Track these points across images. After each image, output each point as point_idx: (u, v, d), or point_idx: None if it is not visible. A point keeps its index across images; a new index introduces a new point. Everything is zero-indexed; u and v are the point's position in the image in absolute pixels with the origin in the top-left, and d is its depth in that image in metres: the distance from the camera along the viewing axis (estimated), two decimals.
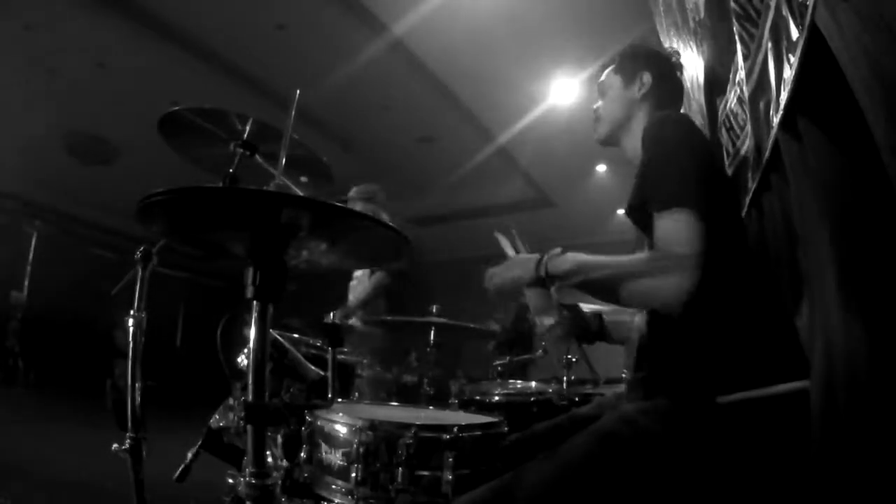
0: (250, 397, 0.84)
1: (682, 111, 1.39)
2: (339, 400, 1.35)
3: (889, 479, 0.74)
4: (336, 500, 1.05)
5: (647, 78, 1.27)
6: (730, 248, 1.00)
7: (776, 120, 0.99)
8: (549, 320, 1.22)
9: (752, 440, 0.93)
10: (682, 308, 0.90)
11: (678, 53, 1.37)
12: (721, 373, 0.97)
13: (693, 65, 1.84)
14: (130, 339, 1.33)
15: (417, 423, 1.04)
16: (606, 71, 1.34)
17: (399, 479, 1.00)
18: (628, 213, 1.11)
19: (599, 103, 1.33)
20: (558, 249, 1.06)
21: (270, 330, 0.89)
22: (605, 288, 1.02)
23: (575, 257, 1.04)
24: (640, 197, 1.07)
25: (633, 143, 1.25)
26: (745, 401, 0.92)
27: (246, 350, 1.31)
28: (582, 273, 1.02)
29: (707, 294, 0.90)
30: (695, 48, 1.80)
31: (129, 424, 1.29)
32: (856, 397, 0.79)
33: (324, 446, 1.10)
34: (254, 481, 0.83)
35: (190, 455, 1.29)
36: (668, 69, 1.31)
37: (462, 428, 1.06)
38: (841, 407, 0.81)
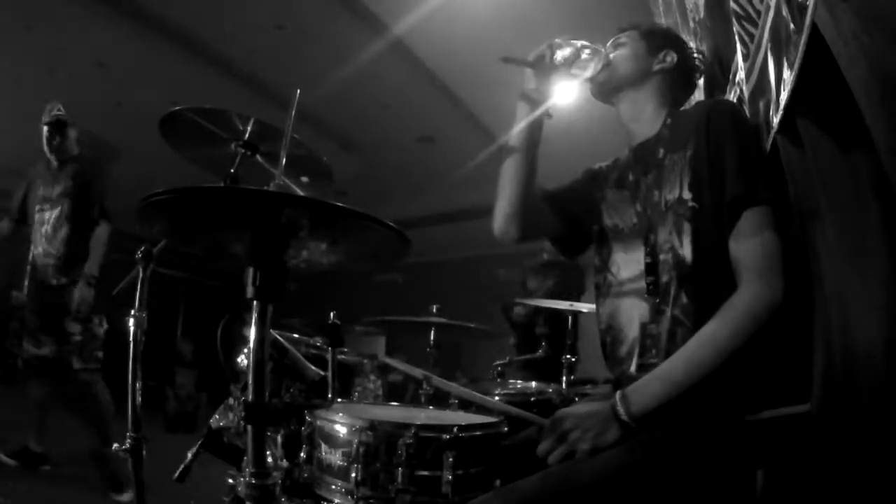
0: (250, 397, 0.85)
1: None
2: (339, 400, 1.35)
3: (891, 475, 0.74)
4: (336, 501, 1.05)
5: (671, 58, 1.19)
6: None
7: (776, 120, 0.99)
8: None
9: (784, 457, 0.92)
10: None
11: (704, 57, 1.30)
12: (751, 390, 0.94)
13: None
14: (130, 338, 1.34)
15: (417, 423, 1.04)
16: (629, 31, 1.25)
17: (399, 479, 1.00)
18: (705, 201, 1.00)
19: (613, 52, 1.22)
20: (620, 395, 0.93)
21: (270, 330, 0.89)
22: (713, 369, 0.90)
23: (656, 386, 0.92)
24: (733, 188, 0.96)
25: (633, 111, 1.20)
26: (774, 419, 0.91)
27: (246, 350, 1.31)
28: (675, 391, 0.91)
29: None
30: (695, 48, 1.80)
31: (130, 424, 1.29)
32: (858, 396, 0.79)
33: (324, 446, 1.10)
34: (254, 481, 0.83)
35: (190, 455, 1.29)
36: (690, 65, 1.25)
37: (462, 428, 1.06)
38: (840, 405, 0.81)
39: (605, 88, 1.22)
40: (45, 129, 2.81)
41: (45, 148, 2.81)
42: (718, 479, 0.92)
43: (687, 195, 1.03)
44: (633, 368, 1.07)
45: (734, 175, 0.97)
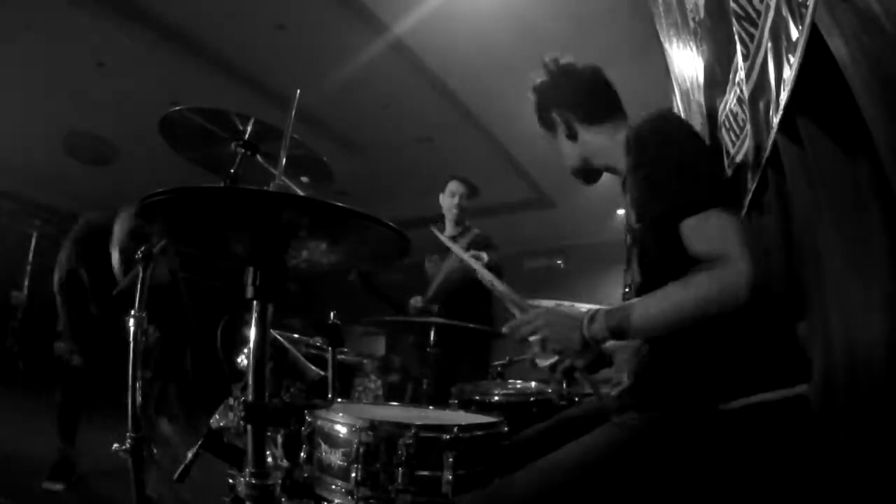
0: (250, 397, 0.85)
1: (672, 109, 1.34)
2: (339, 400, 1.35)
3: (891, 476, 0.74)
4: (336, 501, 1.05)
5: (557, 117, 1.23)
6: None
7: (776, 120, 0.99)
8: (548, 360, 1.20)
9: (757, 446, 0.92)
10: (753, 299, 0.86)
11: (555, 62, 1.28)
12: (722, 380, 0.96)
13: (693, 65, 1.84)
14: (131, 339, 1.34)
15: (417, 423, 1.04)
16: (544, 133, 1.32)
17: (399, 479, 1.00)
18: (644, 220, 1.02)
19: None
20: (587, 311, 0.99)
21: (270, 330, 0.89)
22: (667, 326, 0.93)
23: (612, 317, 0.96)
24: (657, 205, 0.97)
25: (605, 161, 1.23)
26: (748, 407, 0.91)
27: (246, 350, 1.31)
28: (633, 329, 0.95)
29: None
30: (695, 48, 1.80)
31: (130, 424, 1.29)
32: (859, 396, 0.79)
33: (324, 446, 1.10)
34: (254, 481, 0.83)
35: (190, 455, 1.29)
36: (569, 89, 1.24)
37: (462, 428, 1.06)
38: (842, 405, 0.81)
39: (580, 173, 1.28)
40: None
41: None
42: (697, 469, 0.94)
43: (632, 217, 1.04)
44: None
45: (665, 188, 0.96)
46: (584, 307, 1.05)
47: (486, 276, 1.28)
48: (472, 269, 1.34)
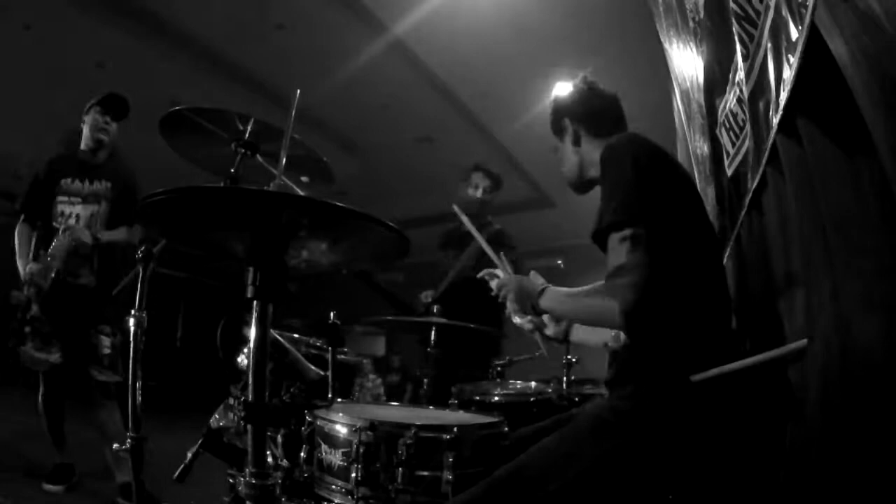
0: (250, 397, 0.85)
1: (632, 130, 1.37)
2: (339, 400, 1.35)
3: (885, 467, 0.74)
4: (336, 500, 1.05)
5: (567, 124, 1.32)
6: (689, 248, 1.05)
7: (775, 120, 0.99)
8: (523, 318, 1.38)
9: (731, 411, 0.98)
10: (636, 321, 0.96)
11: (583, 79, 1.38)
12: (686, 359, 1.00)
13: (693, 65, 1.84)
14: (131, 338, 1.34)
15: (417, 423, 1.04)
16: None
17: (399, 479, 1.00)
18: (593, 238, 1.13)
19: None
20: (540, 286, 1.20)
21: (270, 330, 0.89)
22: (576, 318, 1.29)
23: (549, 297, 1.19)
24: (597, 223, 1.10)
25: (596, 173, 1.28)
26: (720, 376, 0.96)
27: (246, 350, 1.31)
28: (555, 310, 1.21)
29: (665, 295, 0.96)
30: (694, 48, 1.80)
31: (130, 424, 1.29)
32: (856, 395, 0.79)
33: (324, 446, 1.10)
34: (254, 481, 0.83)
35: (190, 455, 1.29)
36: (586, 102, 1.33)
37: (462, 428, 1.06)
38: (838, 404, 0.81)
39: (578, 186, 1.36)
40: (98, 109, 2.53)
41: (91, 133, 2.54)
42: (672, 436, 0.97)
43: (594, 228, 1.14)
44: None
45: (603, 206, 1.08)
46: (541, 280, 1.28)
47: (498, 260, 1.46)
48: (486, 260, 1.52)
